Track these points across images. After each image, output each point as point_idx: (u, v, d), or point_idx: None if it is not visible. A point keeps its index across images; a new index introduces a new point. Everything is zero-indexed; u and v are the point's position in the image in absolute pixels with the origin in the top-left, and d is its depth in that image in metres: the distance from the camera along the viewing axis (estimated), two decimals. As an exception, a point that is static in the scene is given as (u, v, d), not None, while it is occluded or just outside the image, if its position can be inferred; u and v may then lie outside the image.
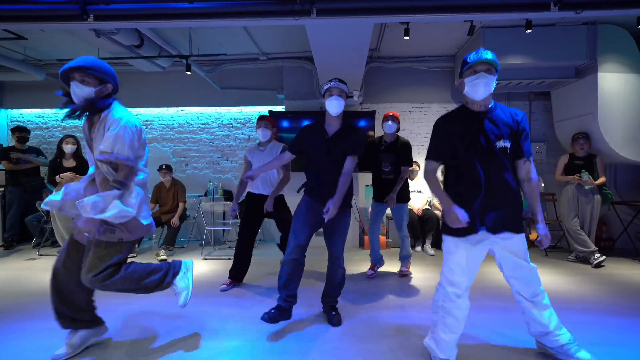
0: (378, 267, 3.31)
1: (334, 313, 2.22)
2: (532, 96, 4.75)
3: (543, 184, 4.63)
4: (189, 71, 3.64)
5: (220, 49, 4.17)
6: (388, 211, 3.67)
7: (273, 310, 2.02)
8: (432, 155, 1.69)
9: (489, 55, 1.53)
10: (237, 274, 2.93)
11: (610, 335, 2.06)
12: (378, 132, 4.76)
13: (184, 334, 2.07)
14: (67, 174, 3.94)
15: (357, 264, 3.72)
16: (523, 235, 1.67)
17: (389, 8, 2.08)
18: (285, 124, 4.61)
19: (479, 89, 1.54)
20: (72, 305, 1.76)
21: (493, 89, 1.57)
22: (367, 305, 2.52)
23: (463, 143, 1.60)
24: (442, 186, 1.70)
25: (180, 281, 1.83)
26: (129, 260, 1.77)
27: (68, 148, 4.00)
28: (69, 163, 4.03)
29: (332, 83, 2.02)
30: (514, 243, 1.64)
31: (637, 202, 3.86)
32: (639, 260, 3.72)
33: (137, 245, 4.14)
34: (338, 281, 2.21)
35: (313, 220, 2.12)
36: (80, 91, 1.62)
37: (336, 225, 2.12)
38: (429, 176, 1.70)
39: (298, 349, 1.90)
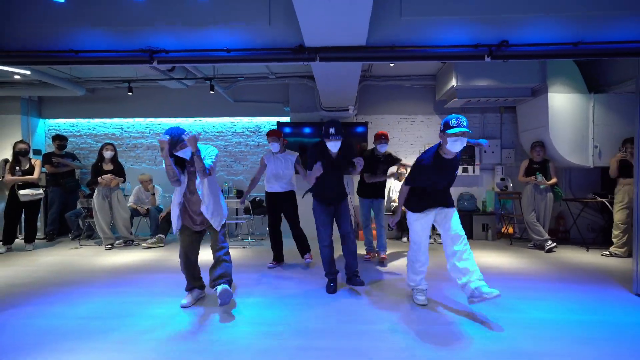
0: (371, 254, 4.05)
1: (357, 278, 2.95)
2: (503, 109, 5.53)
3: (511, 185, 5.41)
4: (212, 91, 4.38)
5: (237, 70, 4.91)
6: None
7: (331, 284, 2.87)
8: (409, 182, 2.52)
9: (465, 123, 2.19)
10: (276, 256, 3.73)
11: (540, 293, 2.83)
12: (371, 140, 5.53)
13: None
14: (107, 175, 4.68)
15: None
16: (453, 208, 2.51)
17: (375, 57, 2.83)
18: (290, 131, 5.37)
19: (457, 147, 2.22)
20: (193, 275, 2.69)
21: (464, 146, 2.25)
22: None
23: (432, 177, 2.41)
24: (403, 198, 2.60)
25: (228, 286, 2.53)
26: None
27: (108, 154, 4.72)
28: (108, 167, 4.76)
29: (332, 130, 2.72)
30: (447, 212, 2.49)
31: (585, 199, 4.64)
32: (586, 248, 4.49)
33: (164, 236, 4.87)
34: (353, 250, 2.92)
35: (329, 217, 2.95)
36: (186, 153, 2.41)
37: (342, 211, 2.96)
38: (401, 190, 2.58)
39: (323, 303, 2.65)
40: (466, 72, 4.43)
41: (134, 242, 4.96)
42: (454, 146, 2.21)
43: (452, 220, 2.44)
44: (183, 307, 2.55)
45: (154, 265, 3.79)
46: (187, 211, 2.54)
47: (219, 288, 2.42)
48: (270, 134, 3.58)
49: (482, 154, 5.50)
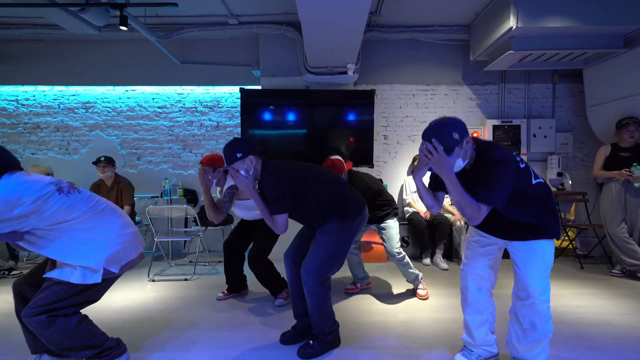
0: (361, 286, 2.74)
1: (310, 342, 1.74)
2: (557, 78, 4.02)
3: (570, 182, 3.91)
4: (124, 26, 2.65)
5: (175, 6, 3.18)
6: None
7: (290, 330, 1.90)
8: None
9: None
10: (231, 283, 2.59)
11: None
12: (377, 119, 3.92)
13: None
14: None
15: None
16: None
17: None
18: (263, 108, 3.69)
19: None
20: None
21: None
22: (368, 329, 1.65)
23: None
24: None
25: None
26: None
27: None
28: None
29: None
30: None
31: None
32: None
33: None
34: (308, 307, 1.75)
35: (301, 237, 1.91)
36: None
37: (316, 239, 1.75)
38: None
39: None
40: (532, 7, 2.86)
41: (14, 272, 3.18)
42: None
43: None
44: None
45: (2, 324, 2.05)
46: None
47: None
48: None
49: (531, 139, 3.97)
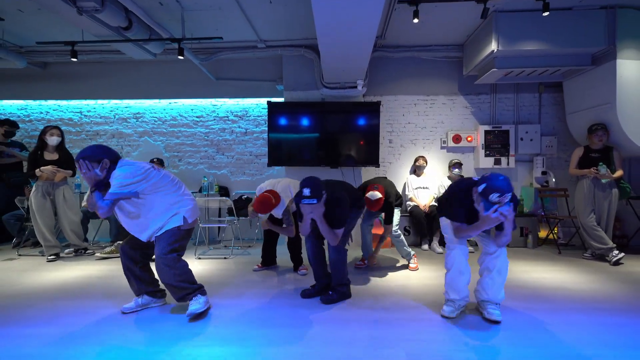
0: (368, 263, 3.33)
1: (330, 292, 2.39)
2: (542, 88, 4.56)
3: (554, 179, 4.44)
4: (182, 56, 3.37)
5: (216, 34, 3.91)
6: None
7: (310, 287, 2.54)
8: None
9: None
10: (265, 259, 3.26)
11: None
12: (382, 126, 4.55)
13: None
14: (49, 167, 3.66)
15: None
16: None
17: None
18: (284, 117, 4.36)
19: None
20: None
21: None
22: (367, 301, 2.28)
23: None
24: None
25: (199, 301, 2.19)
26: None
27: (53, 140, 3.69)
28: (52, 156, 3.73)
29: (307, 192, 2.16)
30: None
31: (655, 196, 3.68)
32: (657, 258, 3.54)
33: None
34: (329, 263, 2.42)
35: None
36: None
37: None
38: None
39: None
40: (510, 33, 3.46)
41: (88, 251, 3.94)
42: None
43: None
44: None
45: (98, 283, 2.78)
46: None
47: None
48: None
49: (518, 142, 4.52)
